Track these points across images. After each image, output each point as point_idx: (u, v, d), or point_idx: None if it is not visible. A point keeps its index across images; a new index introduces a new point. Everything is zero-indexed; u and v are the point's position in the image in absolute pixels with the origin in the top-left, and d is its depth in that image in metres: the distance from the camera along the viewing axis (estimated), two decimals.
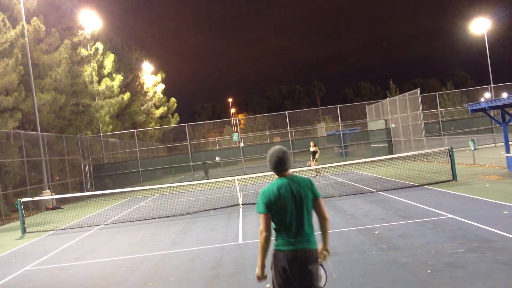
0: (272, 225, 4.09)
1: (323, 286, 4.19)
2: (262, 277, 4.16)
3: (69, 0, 29.84)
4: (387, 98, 34.01)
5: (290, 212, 4.04)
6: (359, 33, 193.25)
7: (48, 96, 24.90)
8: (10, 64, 21.54)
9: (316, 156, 23.47)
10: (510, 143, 16.50)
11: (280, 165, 4.17)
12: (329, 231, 4.33)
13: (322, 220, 4.27)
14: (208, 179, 27.54)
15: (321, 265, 4.22)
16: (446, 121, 39.39)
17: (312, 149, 23.57)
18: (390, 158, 23.18)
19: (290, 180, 4.13)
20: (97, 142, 34.69)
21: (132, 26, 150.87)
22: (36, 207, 22.35)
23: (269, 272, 4.15)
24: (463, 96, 64.25)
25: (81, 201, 25.59)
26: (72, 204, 24.64)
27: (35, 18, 24.87)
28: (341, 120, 35.09)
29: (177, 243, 10.56)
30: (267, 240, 4.03)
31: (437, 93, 38.44)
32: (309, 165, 23.30)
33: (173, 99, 59.33)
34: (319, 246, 4.25)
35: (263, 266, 4.13)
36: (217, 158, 36.70)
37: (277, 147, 4.28)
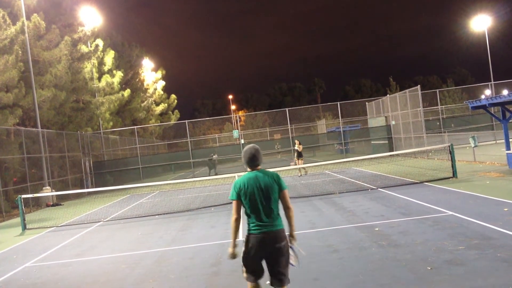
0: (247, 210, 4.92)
1: (297, 264, 5.01)
2: (233, 256, 5.08)
3: None
4: (388, 95, 33.97)
5: (259, 200, 4.82)
6: (360, 30, 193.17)
7: (48, 93, 24.88)
8: (10, 60, 21.52)
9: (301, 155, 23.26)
10: (510, 140, 16.47)
11: (252, 161, 4.95)
12: (294, 218, 4.98)
13: (286, 209, 4.93)
14: (216, 175, 27.37)
15: (291, 247, 4.94)
16: (446, 118, 39.36)
17: (297, 147, 23.04)
18: (390, 155, 23.14)
19: (259, 173, 4.91)
20: (98, 139, 34.69)
21: (132, 23, 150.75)
22: (37, 204, 22.36)
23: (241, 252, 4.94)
24: (464, 93, 64.25)
25: (81, 198, 25.60)
26: (73, 200, 24.66)
27: (35, 14, 24.82)
28: (342, 117, 35.11)
29: (177, 240, 10.57)
30: (236, 221, 4.97)
31: (437, 90, 38.44)
32: (294, 164, 23.07)
33: (173, 96, 59.28)
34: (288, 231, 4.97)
35: (234, 246, 5.06)
36: (214, 156, 36.64)
37: (250, 145, 5.05)
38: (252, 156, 4.95)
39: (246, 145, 5.13)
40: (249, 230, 4.96)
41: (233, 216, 5.00)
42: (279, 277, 4.86)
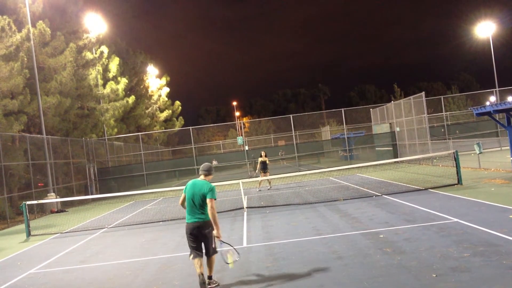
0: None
1: (218, 245, 7.23)
2: None
3: (74, 4, 29.99)
4: (392, 101, 33.93)
5: (192, 200, 7.12)
6: (364, 36, 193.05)
7: (53, 100, 24.99)
8: (16, 67, 21.64)
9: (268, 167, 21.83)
10: None
11: (205, 171, 7.35)
12: (214, 217, 7.01)
13: (209, 210, 7.00)
14: (255, 176, 26.71)
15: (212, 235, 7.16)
16: (451, 124, 39.29)
17: (263, 159, 21.66)
18: (395, 161, 23.08)
19: (202, 182, 7.22)
20: (102, 146, 34.75)
21: (137, 30, 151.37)
22: (41, 210, 22.40)
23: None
24: (468, 99, 64.20)
25: (85, 204, 25.62)
26: (77, 207, 24.68)
27: (40, 21, 24.97)
28: (346, 124, 35.05)
29: (181, 247, 10.54)
30: (181, 204, 7.53)
31: (442, 97, 38.39)
32: (261, 176, 21.42)
33: (177, 103, 59.42)
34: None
35: None
36: (214, 162, 36.60)
37: (207, 163, 7.55)
38: (207, 168, 7.36)
39: (204, 161, 7.91)
40: (186, 220, 7.24)
41: (180, 201, 7.55)
42: (208, 251, 7.17)
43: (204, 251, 7.22)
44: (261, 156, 21.88)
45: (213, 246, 7.12)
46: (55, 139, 26.21)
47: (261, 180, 21.48)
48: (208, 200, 6.95)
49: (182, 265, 8.79)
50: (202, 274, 7.05)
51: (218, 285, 7.26)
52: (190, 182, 7.26)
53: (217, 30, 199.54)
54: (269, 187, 21.98)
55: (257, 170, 22.27)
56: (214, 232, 7.06)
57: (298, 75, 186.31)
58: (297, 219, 12.55)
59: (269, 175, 22.12)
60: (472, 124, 37.45)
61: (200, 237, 7.12)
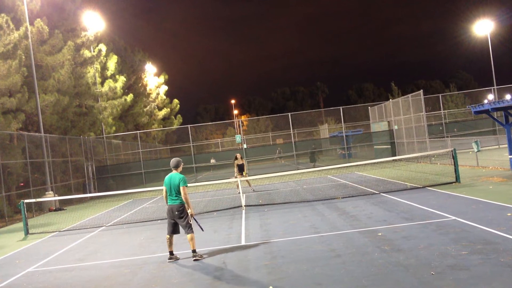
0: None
1: (190, 218, 9.18)
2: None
3: (72, 2, 29.89)
4: (390, 99, 33.92)
5: (170, 187, 9.24)
6: (363, 35, 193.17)
7: (51, 98, 24.93)
8: (14, 65, 21.58)
9: (245, 169, 20.51)
10: None
11: (175, 166, 9.49)
12: (187, 199, 9.12)
13: (183, 195, 9.09)
14: (314, 167, 26.06)
15: (194, 219, 9.46)
16: (449, 122, 39.30)
17: (239, 162, 20.09)
18: (393, 159, 23.11)
19: (175, 174, 9.32)
20: (100, 144, 34.67)
21: (135, 28, 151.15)
22: (39, 209, 22.37)
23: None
24: (466, 98, 64.15)
25: (84, 203, 25.61)
26: (75, 205, 24.66)
27: (38, 19, 24.92)
28: (344, 122, 35.01)
29: (179, 245, 10.53)
30: (165, 197, 9.46)
31: (440, 95, 38.34)
32: (238, 177, 19.35)
33: (176, 101, 59.36)
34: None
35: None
36: (212, 161, 36.50)
37: (175, 158, 9.71)
38: (175, 164, 9.50)
39: (172, 158, 9.79)
40: (167, 203, 9.33)
41: (163, 194, 9.54)
42: (184, 229, 9.05)
43: (179, 231, 9.31)
44: (236, 159, 20.28)
45: (189, 222, 9.06)
46: (53, 137, 26.16)
47: (242, 181, 19.03)
48: (181, 188, 9.05)
49: (181, 263, 8.80)
50: (171, 252, 9.19)
51: (202, 257, 8.96)
52: (167, 176, 9.39)
53: (216, 28, 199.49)
54: (243, 188, 19.68)
55: (235, 174, 20.31)
56: (189, 210, 9.10)
57: (297, 73, 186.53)
58: (295, 217, 12.56)
59: (247, 175, 20.90)
60: (470, 122, 37.47)
61: (174, 216, 9.11)
